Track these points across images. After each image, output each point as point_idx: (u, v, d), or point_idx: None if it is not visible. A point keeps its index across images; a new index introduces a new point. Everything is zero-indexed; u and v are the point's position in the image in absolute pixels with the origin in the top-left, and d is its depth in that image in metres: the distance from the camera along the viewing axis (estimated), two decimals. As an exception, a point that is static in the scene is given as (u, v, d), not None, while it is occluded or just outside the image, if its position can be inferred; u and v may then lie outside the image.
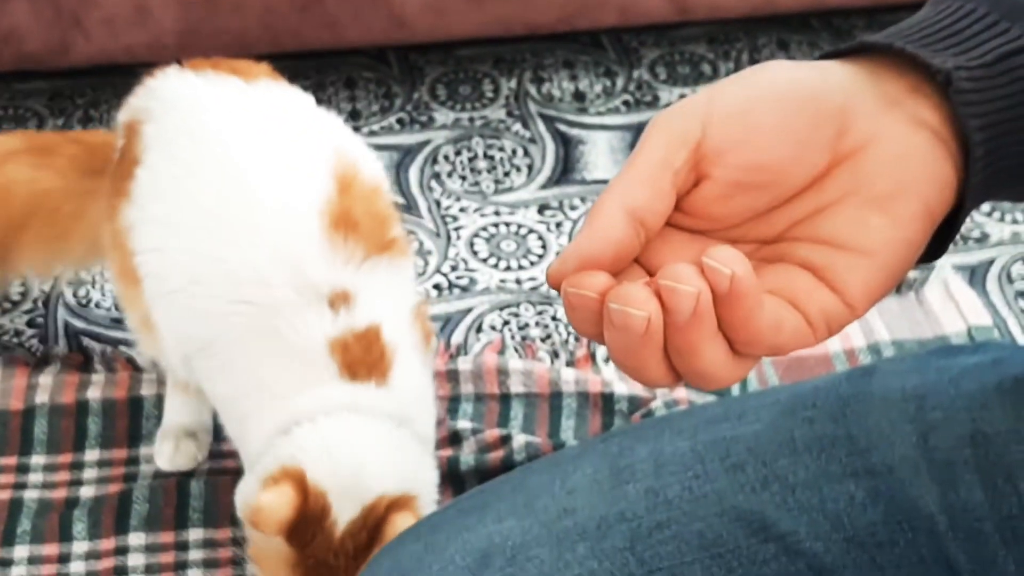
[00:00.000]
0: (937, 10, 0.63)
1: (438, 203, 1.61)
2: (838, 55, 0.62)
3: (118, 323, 1.43)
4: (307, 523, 1.01)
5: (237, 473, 1.26)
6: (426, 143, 1.68)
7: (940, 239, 0.62)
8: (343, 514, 1.02)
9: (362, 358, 1.07)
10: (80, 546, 1.22)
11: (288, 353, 1.07)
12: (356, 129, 1.65)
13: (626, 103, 1.74)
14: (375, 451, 1.06)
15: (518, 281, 1.51)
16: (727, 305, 0.55)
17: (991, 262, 1.53)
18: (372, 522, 1.02)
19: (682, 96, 1.71)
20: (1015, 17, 0.62)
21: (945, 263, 1.51)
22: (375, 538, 1.02)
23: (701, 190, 0.59)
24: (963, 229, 1.54)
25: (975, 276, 1.51)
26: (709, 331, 0.55)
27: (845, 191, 0.60)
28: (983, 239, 1.56)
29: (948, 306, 1.46)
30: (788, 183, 0.60)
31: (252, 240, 1.07)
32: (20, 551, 1.22)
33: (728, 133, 0.59)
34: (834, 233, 0.60)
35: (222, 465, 1.30)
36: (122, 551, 1.22)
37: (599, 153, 1.67)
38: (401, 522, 1.00)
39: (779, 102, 0.59)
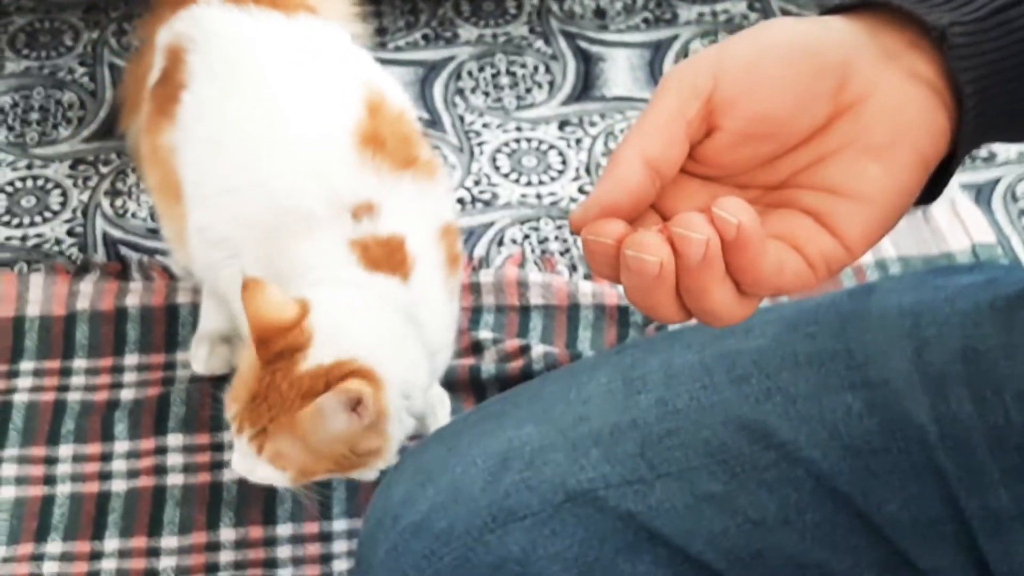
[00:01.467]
0: None
1: (462, 119, 1.63)
2: (841, 10, 0.65)
3: (154, 233, 1.47)
4: (283, 343, 1.04)
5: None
6: (450, 59, 1.70)
7: (934, 184, 0.65)
8: (314, 357, 1.04)
9: (383, 257, 1.11)
10: (121, 445, 1.26)
11: (310, 250, 1.11)
12: (382, 45, 1.68)
13: (646, 20, 1.75)
14: (371, 325, 1.09)
15: (539, 196, 1.53)
16: (734, 251, 0.58)
17: (997, 181, 1.54)
18: (333, 376, 1.04)
19: (700, 14, 1.73)
20: None
21: (952, 182, 1.50)
22: (326, 386, 1.03)
23: (712, 140, 0.62)
24: (970, 149, 1.56)
25: (981, 195, 1.52)
26: (718, 274, 0.58)
27: (845, 141, 0.63)
28: (990, 158, 1.57)
29: (954, 224, 1.47)
30: (792, 133, 0.63)
31: (285, 155, 1.12)
32: (64, 450, 1.26)
33: (737, 86, 0.61)
34: (834, 181, 0.63)
35: (255, 370, 1.34)
36: (161, 451, 1.26)
37: (619, 70, 1.69)
38: (353, 386, 1.01)
39: (785, 56, 0.62)
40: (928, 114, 0.63)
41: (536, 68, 1.70)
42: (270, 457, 1.05)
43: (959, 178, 1.54)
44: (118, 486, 1.24)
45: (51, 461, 1.25)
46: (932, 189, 0.66)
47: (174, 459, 1.26)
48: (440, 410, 1.28)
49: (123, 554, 1.19)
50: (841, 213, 0.62)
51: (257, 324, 1.03)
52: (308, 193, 1.11)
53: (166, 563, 1.18)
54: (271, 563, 1.19)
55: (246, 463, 1.06)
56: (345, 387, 1.01)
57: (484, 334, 1.35)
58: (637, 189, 0.60)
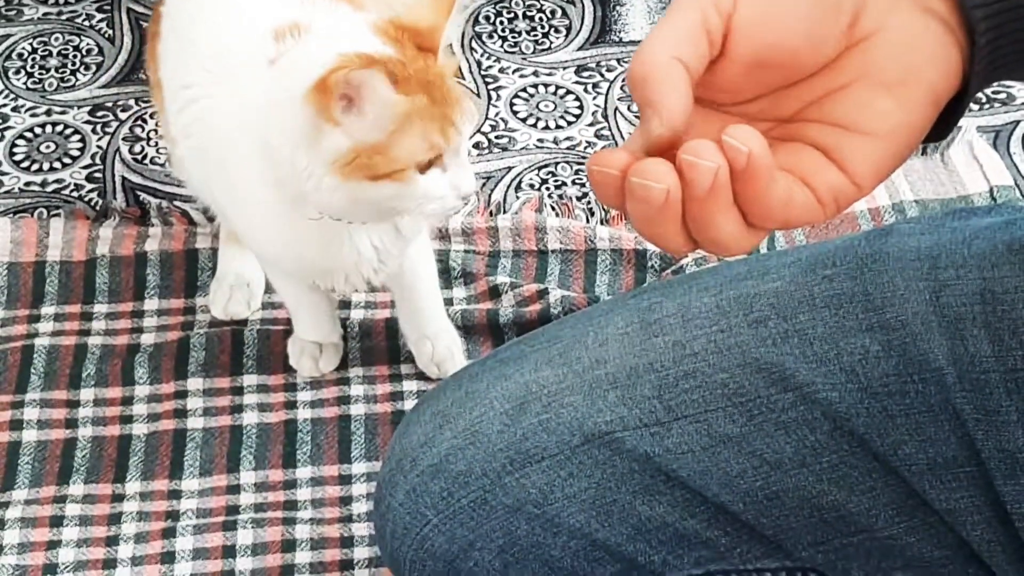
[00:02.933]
0: None
1: (479, 63, 1.63)
2: None
3: (173, 178, 1.48)
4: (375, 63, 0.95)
5: (287, 323, 1.32)
6: (467, 3, 1.69)
7: (946, 120, 0.64)
8: (374, 45, 0.97)
9: None
10: (142, 389, 1.27)
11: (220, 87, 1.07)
12: (399, -10, 1.67)
13: (664, -36, 1.74)
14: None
15: (556, 141, 1.53)
16: (743, 180, 0.58)
17: (1016, 124, 1.54)
18: (398, 34, 0.98)
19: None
20: None
21: (970, 125, 1.52)
22: (411, 32, 0.98)
23: (722, 63, 0.61)
24: (988, 91, 1.55)
25: (999, 138, 1.52)
26: (725, 203, 0.58)
27: (856, 75, 0.62)
28: (1008, 100, 1.57)
29: (972, 167, 1.47)
30: (803, 64, 0.62)
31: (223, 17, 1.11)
32: (86, 393, 1.27)
33: (752, 11, 0.61)
34: (844, 115, 0.62)
35: (274, 315, 1.34)
36: (181, 395, 1.27)
37: (636, 14, 1.68)
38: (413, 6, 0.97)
39: None
40: (941, 50, 0.62)
41: (553, 12, 1.69)
42: (469, 106, 0.99)
43: (976, 121, 1.54)
44: (139, 429, 1.25)
45: (73, 404, 1.26)
46: (943, 126, 0.65)
47: (194, 403, 1.27)
48: (456, 354, 1.29)
49: (144, 496, 1.20)
50: (850, 148, 0.62)
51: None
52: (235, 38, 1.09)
53: (187, 505, 1.19)
54: (291, 505, 1.20)
55: (466, 153, 1.00)
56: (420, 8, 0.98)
57: (502, 279, 1.36)
58: (689, 95, 0.59)
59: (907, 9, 0.62)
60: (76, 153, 1.51)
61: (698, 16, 0.60)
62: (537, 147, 1.53)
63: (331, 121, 0.94)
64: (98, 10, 1.69)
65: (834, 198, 0.62)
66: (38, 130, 1.54)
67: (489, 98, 1.58)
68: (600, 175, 0.59)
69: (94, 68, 1.61)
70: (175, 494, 1.20)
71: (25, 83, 1.59)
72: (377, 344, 1.31)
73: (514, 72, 1.62)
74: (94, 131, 1.54)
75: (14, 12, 1.69)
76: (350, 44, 0.97)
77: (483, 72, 1.62)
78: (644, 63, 0.59)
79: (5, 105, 1.57)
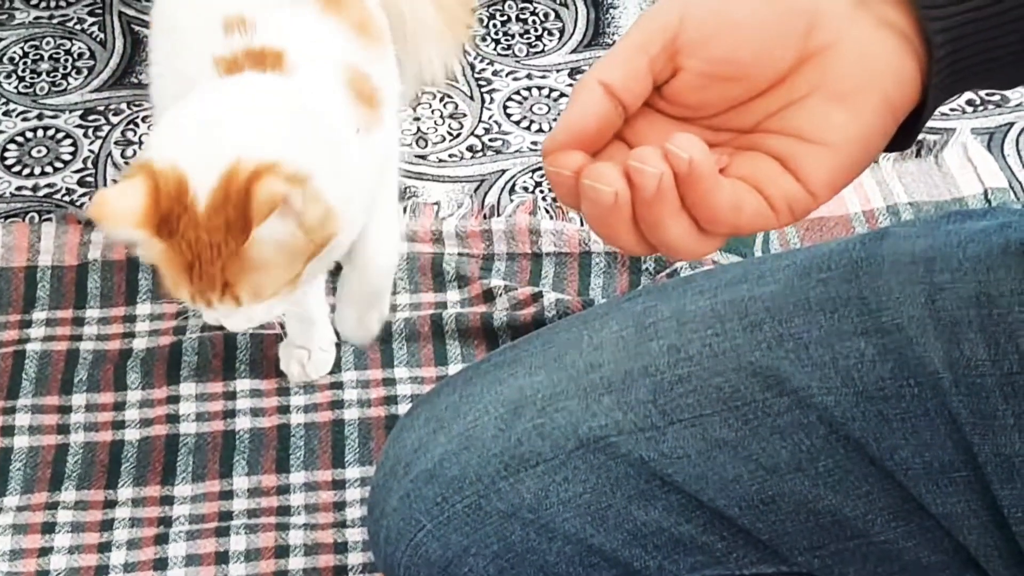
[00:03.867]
0: None
1: (472, 66, 1.63)
2: None
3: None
4: (167, 209, 0.94)
5: (281, 327, 1.31)
6: (460, 6, 1.70)
7: (909, 131, 0.65)
8: (202, 187, 0.94)
9: (251, 62, 1.03)
10: (134, 395, 1.27)
11: (185, 82, 1.05)
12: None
13: (657, -34, 1.74)
14: (238, 115, 1.00)
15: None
16: (687, 185, 0.60)
17: (1010, 126, 1.53)
18: (236, 194, 0.93)
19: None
20: None
21: (964, 127, 1.51)
22: (245, 212, 0.93)
23: (678, 79, 0.64)
24: (982, 93, 1.55)
25: (993, 140, 1.52)
26: (672, 208, 0.61)
27: (812, 86, 0.64)
28: (1003, 102, 1.56)
29: (966, 169, 1.46)
30: (758, 76, 0.64)
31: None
32: (78, 399, 1.26)
33: (702, 27, 0.63)
34: (800, 126, 0.63)
35: (266, 319, 1.34)
36: (174, 400, 1.26)
37: (630, 17, 1.68)
38: (265, 188, 0.92)
39: (751, 2, 0.63)
40: (897, 61, 0.63)
41: (546, 15, 1.69)
42: (251, 297, 0.97)
43: (971, 123, 1.53)
44: (131, 435, 1.24)
45: (64, 410, 1.26)
46: (906, 136, 0.66)
47: (187, 408, 1.26)
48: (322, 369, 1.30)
49: (136, 502, 1.19)
50: (805, 158, 0.63)
51: (135, 221, 0.94)
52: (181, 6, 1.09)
53: (180, 511, 1.19)
54: (284, 510, 1.19)
55: (237, 319, 1.00)
56: (260, 197, 0.92)
57: (496, 282, 1.35)
58: (599, 114, 0.63)
59: (863, 22, 0.64)
60: (68, 157, 1.51)
61: (639, 39, 0.63)
62: (531, 150, 1.52)
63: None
64: (89, 14, 1.68)
65: (788, 205, 0.63)
66: (29, 134, 1.54)
67: (483, 101, 1.58)
68: (555, 175, 0.62)
69: (86, 72, 1.61)
70: (168, 500, 1.20)
71: (16, 87, 1.59)
72: (371, 348, 1.31)
73: (507, 75, 1.61)
74: (86, 135, 1.53)
75: (5, 16, 1.68)
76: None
77: (476, 75, 1.61)
78: (576, 87, 0.63)
79: (-4, 109, 1.57)
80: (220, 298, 0.97)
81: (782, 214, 0.64)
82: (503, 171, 1.50)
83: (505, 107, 1.58)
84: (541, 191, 1.47)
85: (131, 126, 1.54)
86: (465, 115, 1.57)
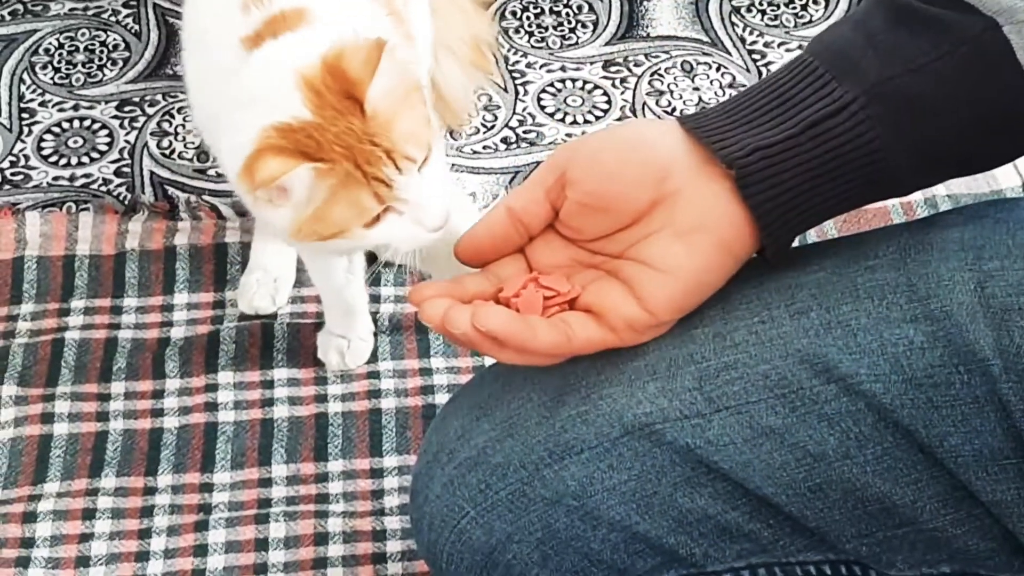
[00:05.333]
0: (779, 74, 0.79)
1: (506, 59, 1.62)
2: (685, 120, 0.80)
3: (201, 173, 1.47)
4: (302, 139, 0.93)
5: (317, 316, 1.32)
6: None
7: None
8: (294, 108, 0.94)
9: (274, 29, 1.03)
10: (172, 383, 1.27)
11: (219, 73, 1.05)
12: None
13: (691, -41, 1.74)
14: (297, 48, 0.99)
15: (584, 135, 1.53)
16: (503, 341, 0.76)
17: (1049, 119, 1.53)
18: (333, 78, 0.94)
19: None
20: (846, 72, 0.76)
21: None
22: (342, 79, 0.93)
23: (564, 207, 0.79)
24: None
25: (1033, 133, 1.52)
26: (491, 349, 0.77)
27: (662, 223, 0.78)
28: (1042, 96, 1.56)
29: (1004, 161, 1.47)
30: (622, 212, 0.78)
31: None
32: (117, 387, 1.27)
33: (582, 168, 0.78)
34: (649, 255, 0.78)
35: (303, 309, 1.34)
36: (212, 388, 1.27)
37: (663, 9, 1.68)
38: (356, 52, 0.92)
39: (620, 151, 0.79)
40: (729, 207, 0.77)
41: (580, 7, 1.69)
42: (415, 147, 0.94)
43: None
44: (170, 423, 1.25)
45: (104, 398, 1.26)
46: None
47: (225, 396, 1.27)
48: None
49: (176, 489, 1.20)
50: (650, 283, 0.78)
51: (291, 164, 0.92)
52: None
53: (219, 498, 1.19)
54: (323, 498, 1.19)
55: (430, 193, 0.95)
56: (360, 66, 0.91)
57: (533, 272, 1.35)
58: (500, 232, 0.80)
59: (703, 176, 0.78)
60: (104, 148, 1.51)
61: (540, 174, 0.80)
62: (565, 142, 1.52)
63: (270, 204, 0.95)
64: (124, 5, 1.69)
65: (628, 325, 0.78)
66: (66, 125, 1.54)
67: (516, 93, 1.58)
68: (425, 319, 0.79)
69: (121, 63, 1.61)
70: (207, 487, 1.20)
71: (52, 78, 1.60)
72: (407, 338, 1.31)
73: (541, 67, 1.62)
74: (121, 126, 1.54)
75: (40, 8, 1.69)
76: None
77: (510, 67, 1.61)
78: (489, 209, 0.83)
79: (32, 100, 1.57)
80: (395, 167, 0.93)
81: (622, 333, 0.78)
82: (537, 163, 1.50)
83: (539, 99, 1.58)
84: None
85: (167, 117, 1.55)
86: (499, 107, 1.57)
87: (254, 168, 0.92)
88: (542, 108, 1.57)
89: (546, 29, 1.66)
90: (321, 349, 1.29)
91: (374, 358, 1.30)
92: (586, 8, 1.69)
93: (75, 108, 1.56)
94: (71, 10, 1.68)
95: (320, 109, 0.93)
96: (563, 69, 1.61)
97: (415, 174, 0.95)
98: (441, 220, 0.96)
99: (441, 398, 1.27)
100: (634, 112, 1.56)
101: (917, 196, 1.42)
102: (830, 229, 1.39)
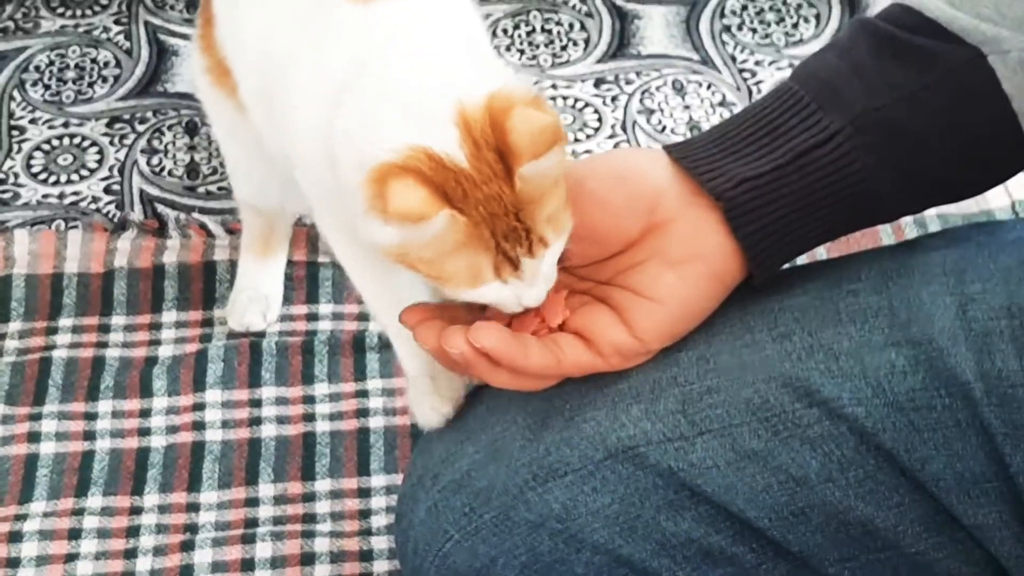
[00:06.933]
0: (765, 102, 0.80)
1: (497, 76, 1.63)
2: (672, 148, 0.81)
3: (191, 191, 1.47)
4: (441, 182, 0.80)
5: (306, 335, 1.32)
6: (486, 17, 1.69)
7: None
8: (449, 146, 0.80)
9: None
10: (160, 402, 1.27)
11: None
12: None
13: (682, -23, 1.75)
14: (405, 60, 0.86)
15: (574, 154, 1.52)
16: (495, 360, 0.77)
17: (1038, 138, 1.53)
18: (486, 136, 0.80)
19: (737, -30, 1.73)
20: (832, 102, 0.77)
21: None
22: (509, 150, 0.79)
23: None
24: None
25: (1021, 152, 1.52)
26: (485, 370, 0.78)
27: (651, 253, 0.79)
28: (1031, 115, 1.56)
29: (993, 181, 1.46)
30: (612, 241, 0.80)
31: None
32: (104, 405, 1.26)
33: (570, 197, 0.78)
34: (638, 284, 0.79)
35: (292, 328, 1.34)
36: (199, 407, 1.27)
37: (655, 28, 1.68)
38: (522, 119, 0.78)
39: (607, 181, 0.80)
40: (718, 237, 0.79)
41: (571, 25, 1.69)
42: (554, 232, 0.81)
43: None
44: (157, 442, 1.24)
45: (90, 417, 1.26)
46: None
47: (212, 415, 1.26)
48: None
49: (163, 509, 1.20)
50: (638, 311, 0.78)
51: (433, 207, 0.78)
52: None
53: (205, 518, 1.19)
54: (310, 518, 1.19)
55: (539, 280, 0.82)
56: (528, 138, 0.78)
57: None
58: None
59: (693, 206, 0.79)
60: (94, 165, 1.51)
61: None
62: (555, 160, 1.52)
63: (382, 220, 0.80)
64: (115, 23, 1.69)
65: (616, 351, 0.79)
66: (55, 142, 1.54)
67: (507, 111, 1.58)
68: (421, 340, 0.81)
69: (111, 80, 1.61)
70: (193, 507, 1.20)
71: (42, 95, 1.60)
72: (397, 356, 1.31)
73: (532, 85, 1.61)
74: (111, 143, 1.54)
75: (31, 24, 1.69)
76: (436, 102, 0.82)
77: (501, 85, 1.61)
78: None
79: (22, 117, 1.57)
80: (528, 250, 0.82)
81: (610, 358, 0.79)
82: (528, 181, 1.50)
83: (530, 117, 1.57)
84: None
85: (157, 134, 1.54)
86: (490, 125, 1.56)
87: (394, 189, 0.79)
88: (532, 126, 1.56)
89: (537, 47, 1.67)
90: (414, 402, 0.97)
91: (363, 376, 1.30)
92: (577, 26, 1.69)
93: (65, 125, 1.56)
94: (62, 27, 1.68)
95: (476, 161, 0.81)
96: (554, 87, 1.61)
97: (534, 268, 0.83)
98: (539, 303, 0.84)
99: (429, 417, 1.26)
100: (624, 130, 1.56)
101: (906, 217, 1.42)
102: (819, 249, 1.38)
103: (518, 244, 0.81)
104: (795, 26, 1.69)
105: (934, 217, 1.42)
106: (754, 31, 1.68)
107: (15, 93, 1.60)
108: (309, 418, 1.26)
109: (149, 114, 1.57)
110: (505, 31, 1.68)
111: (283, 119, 0.95)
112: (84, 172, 1.51)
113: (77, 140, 1.54)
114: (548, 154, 0.77)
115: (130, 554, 1.16)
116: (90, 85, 1.61)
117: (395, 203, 0.77)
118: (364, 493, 1.21)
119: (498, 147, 0.80)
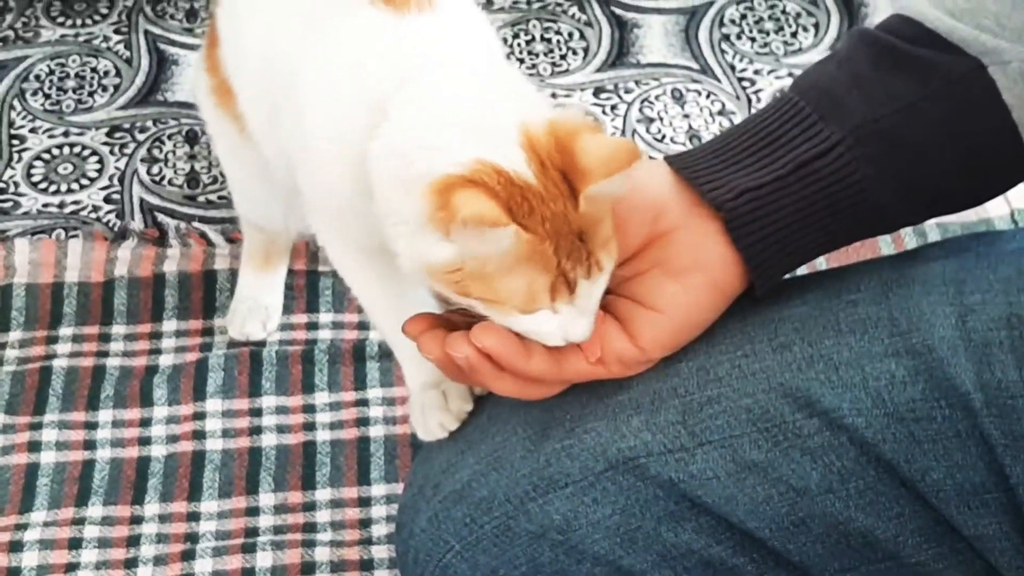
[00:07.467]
0: (765, 113, 0.80)
1: (496, 85, 1.63)
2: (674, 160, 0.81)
3: (191, 200, 1.47)
4: (507, 197, 0.79)
5: (306, 344, 1.32)
6: (484, 25, 1.70)
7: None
8: (517, 162, 0.79)
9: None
10: (160, 411, 1.27)
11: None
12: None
13: (681, -14, 1.75)
14: (486, 90, 0.85)
15: (574, 162, 1.53)
16: (496, 362, 0.77)
17: (1037, 147, 1.53)
18: (552, 158, 0.79)
19: (736, -21, 1.73)
20: (832, 112, 0.77)
21: None
22: (571, 162, 0.79)
23: None
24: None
25: (1020, 161, 1.52)
26: (489, 374, 0.78)
27: (654, 262, 0.79)
28: (1030, 124, 1.56)
29: (993, 190, 1.47)
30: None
31: None
32: (104, 415, 1.27)
33: None
34: (641, 293, 0.79)
35: (291, 337, 1.34)
36: (200, 416, 1.27)
37: (654, 36, 1.68)
38: (593, 144, 0.78)
39: None
40: (719, 248, 0.79)
41: (571, 35, 1.69)
42: (608, 256, 0.80)
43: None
44: (158, 451, 1.25)
45: (91, 426, 1.26)
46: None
47: (213, 424, 1.26)
48: None
49: (163, 518, 1.20)
50: (640, 320, 0.79)
51: (500, 217, 0.76)
52: None
53: (206, 527, 1.19)
54: (310, 527, 1.19)
55: (589, 311, 0.80)
56: (599, 162, 0.77)
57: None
58: None
59: (696, 216, 0.79)
60: (94, 175, 1.52)
61: None
62: (555, 169, 1.52)
63: (442, 233, 0.78)
64: (115, 32, 1.69)
65: (618, 359, 0.79)
66: (56, 151, 1.54)
67: (507, 120, 1.58)
68: (425, 349, 0.80)
69: (111, 90, 1.61)
70: (194, 516, 1.20)
71: (42, 104, 1.60)
72: (396, 366, 1.31)
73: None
74: (112, 152, 1.54)
75: (31, 34, 1.69)
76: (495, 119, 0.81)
77: (500, 94, 1.61)
78: None
79: (23, 127, 1.57)
80: (587, 272, 0.80)
81: (612, 366, 0.79)
82: (528, 189, 1.50)
83: (530, 126, 1.58)
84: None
85: (157, 143, 1.55)
86: (490, 134, 1.56)
87: (462, 198, 0.77)
88: (532, 135, 1.57)
89: (537, 56, 1.67)
90: (414, 416, 0.95)
91: (363, 385, 1.30)
92: (577, 35, 1.69)
93: (65, 135, 1.56)
94: (62, 36, 1.69)
95: (543, 180, 0.80)
96: (554, 96, 1.62)
97: (596, 284, 0.81)
98: (582, 339, 0.81)
99: (429, 427, 1.26)
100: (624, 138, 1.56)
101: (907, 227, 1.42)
102: (818, 259, 1.38)
103: (579, 264, 0.79)
104: (794, 35, 1.70)
105: (933, 226, 1.42)
106: (753, 40, 1.68)
107: (15, 102, 1.60)
108: (309, 427, 1.27)
109: (149, 123, 1.57)
110: (505, 40, 1.68)
111: (290, 123, 0.94)
112: (84, 181, 1.51)
113: (77, 149, 1.55)
114: (616, 176, 0.77)
115: (131, 564, 1.17)
116: (90, 94, 1.61)
117: (467, 209, 0.75)
118: (364, 502, 1.21)
119: (563, 168, 0.79)
